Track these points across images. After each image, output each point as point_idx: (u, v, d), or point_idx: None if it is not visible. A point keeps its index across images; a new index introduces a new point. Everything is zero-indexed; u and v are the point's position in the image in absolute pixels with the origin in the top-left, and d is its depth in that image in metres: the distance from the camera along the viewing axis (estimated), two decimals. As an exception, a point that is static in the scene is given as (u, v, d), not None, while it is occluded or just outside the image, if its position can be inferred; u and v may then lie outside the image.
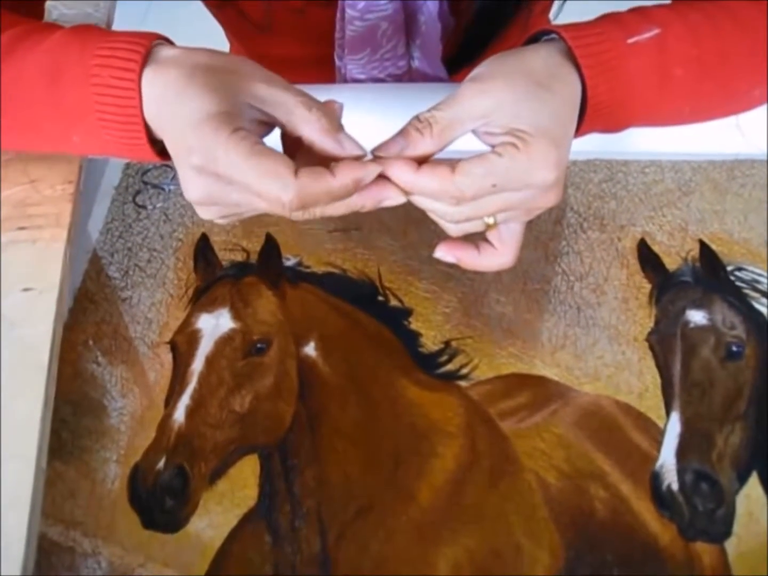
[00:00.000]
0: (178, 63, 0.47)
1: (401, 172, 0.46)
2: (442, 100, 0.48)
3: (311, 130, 0.46)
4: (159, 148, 0.50)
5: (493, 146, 0.47)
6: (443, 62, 0.71)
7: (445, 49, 0.70)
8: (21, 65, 0.51)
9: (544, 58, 0.50)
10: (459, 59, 0.73)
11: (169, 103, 0.46)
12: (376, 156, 0.47)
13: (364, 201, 0.46)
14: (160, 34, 0.51)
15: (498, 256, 0.51)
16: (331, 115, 0.46)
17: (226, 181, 0.44)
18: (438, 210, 0.48)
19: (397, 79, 0.71)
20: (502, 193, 0.47)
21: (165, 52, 0.49)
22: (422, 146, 0.46)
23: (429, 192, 0.47)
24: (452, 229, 0.50)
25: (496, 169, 0.46)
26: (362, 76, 0.69)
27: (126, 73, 0.48)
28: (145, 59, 0.48)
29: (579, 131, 0.52)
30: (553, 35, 0.52)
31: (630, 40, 0.52)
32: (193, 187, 0.46)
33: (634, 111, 0.54)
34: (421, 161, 0.47)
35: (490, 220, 0.49)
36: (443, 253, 0.52)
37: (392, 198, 0.47)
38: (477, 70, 0.50)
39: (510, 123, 0.47)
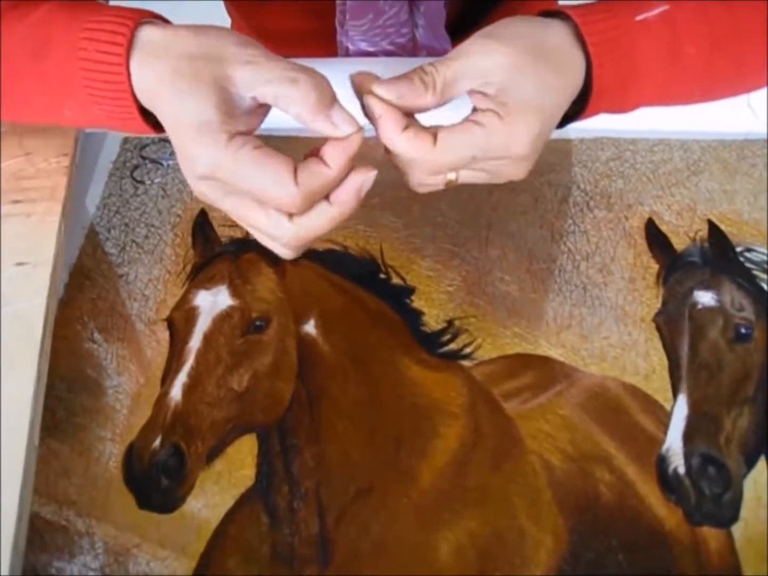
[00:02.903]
0: (164, 52, 0.46)
1: (388, 123, 0.46)
2: (450, 52, 0.47)
3: (300, 110, 0.45)
4: (152, 120, 0.49)
5: (478, 109, 0.47)
6: (446, 29, 0.69)
7: (448, 16, 0.69)
8: (8, 38, 0.50)
9: (554, 36, 0.49)
10: (462, 26, 0.71)
11: (163, 101, 0.46)
12: (376, 94, 0.46)
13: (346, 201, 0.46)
14: (149, 11, 0.50)
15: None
16: (320, 86, 0.45)
17: (231, 186, 0.45)
18: (410, 176, 0.49)
19: (400, 49, 0.69)
20: (478, 162, 0.47)
21: (151, 32, 0.47)
22: (422, 101, 0.46)
23: (407, 157, 0.47)
24: (414, 185, 0.50)
25: (477, 140, 0.46)
26: (363, 44, 0.68)
27: (113, 47, 0.47)
28: (133, 34, 0.47)
29: (585, 113, 0.51)
30: (561, 15, 0.51)
31: (638, 17, 0.50)
32: (197, 189, 0.47)
33: (643, 90, 0.53)
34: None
35: (452, 176, 0.49)
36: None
37: (368, 179, 0.46)
38: (489, 28, 0.49)
39: (504, 89, 0.46)
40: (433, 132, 0.46)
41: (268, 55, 0.46)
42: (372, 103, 0.46)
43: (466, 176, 0.49)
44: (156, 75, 0.46)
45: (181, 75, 0.45)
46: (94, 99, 0.49)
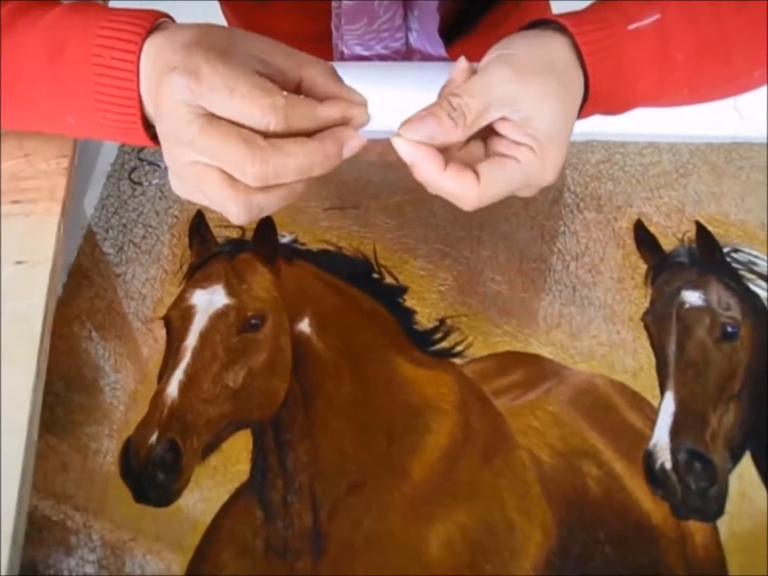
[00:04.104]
0: (178, 32, 0.47)
1: (428, 165, 0.46)
2: (471, 81, 0.47)
3: (315, 72, 0.46)
4: (152, 132, 0.49)
5: (508, 138, 0.47)
6: (439, 34, 0.70)
7: (441, 20, 0.70)
8: (21, 40, 0.51)
9: (559, 54, 0.50)
10: (455, 30, 0.72)
11: (163, 51, 0.46)
12: (404, 135, 0.46)
13: (327, 142, 0.45)
14: (162, 12, 0.50)
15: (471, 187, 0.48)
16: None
17: (211, 89, 0.43)
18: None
19: (395, 53, 0.70)
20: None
21: (166, 27, 0.48)
22: (453, 136, 0.46)
23: (447, 192, 0.47)
24: None
25: (517, 177, 0.47)
26: (358, 48, 0.69)
27: (127, 54, 0.47)
28: (145, 39, 0.47)
29: (580, 115, 0.52)
30: (554, 25, 0.52)
31: (631, 26, 0.51)
32: (174, 89, 0.43)
33: (635, 95, 0.54)
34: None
35: None
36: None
37: (355, 139, 0.46)
38: (503, 51, 0.49)
39: (530, 118, 0.47)
40: (473, 167, 0.47)
41: (288, 48, 0.48)
42: (400, 147, 0.46)
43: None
44: (164, 46, 0.46)
45: (193, 43, 0.44)
46: (100, 106, 0.49)
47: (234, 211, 0.45)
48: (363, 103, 0.46)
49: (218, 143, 0.43)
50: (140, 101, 0.48)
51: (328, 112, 0.45)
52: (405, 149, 0.46)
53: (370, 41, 0.69)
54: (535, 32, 0.52)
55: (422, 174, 0.47)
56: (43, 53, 0.50)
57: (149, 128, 0.49)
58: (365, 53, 0.70)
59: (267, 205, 0.45)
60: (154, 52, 0.47)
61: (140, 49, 0.47)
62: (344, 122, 0.45)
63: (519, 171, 0.47)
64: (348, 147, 0.45)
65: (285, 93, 0.43)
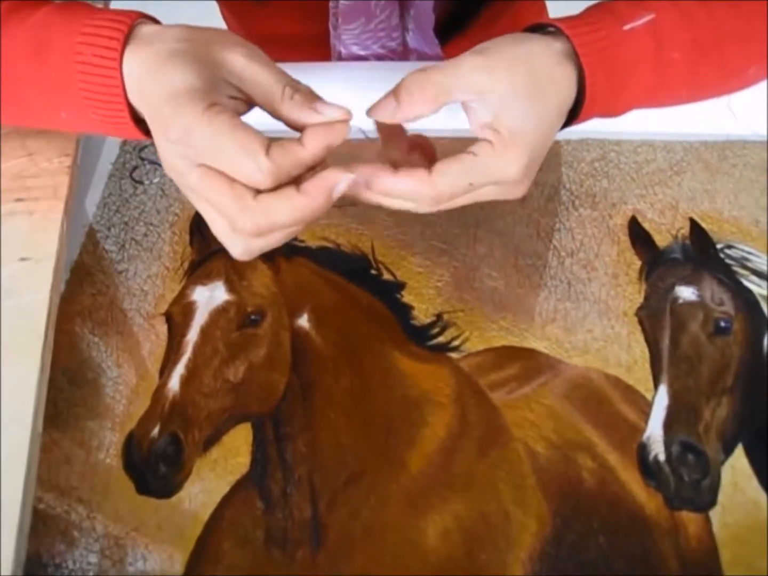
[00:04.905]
0: (159, 38, 0.48)
1: (381, 180, 0.47)
2: (443, 63, 0.48)
3: (289, 109, 0.46)
4: (144, 127, 0.50)
5: (473, 127, 0.48)
6: (435, 33, 0.71)
7: (437, 20, 0.71)
8: (10, 40, 0.52)
9: (546, 53, 0.50)
10: (450, 29, 0.73)
11: (149, 75, 0.46)
12: (372, 118, 0.48)
13: (315, 195, 0.45)
14: (144, 13, 0.51)
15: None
16: (307, 89, 0.47)
17: (201, 155, 0.44)
18: (411, 208, 0.49)
19: (391, 52, 0.71)
20: (477, 190, 0.48)
21: (146, 29, 0.49)
22: (415, 109, 0.47)
23: (408, 194, 0.48)
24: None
25: (471, 168, 0.47)
26: (356, 48, 0.70)
27: (108, 51, 0.48)
28: (127, 37, 0.48)
29: (577, 120, 0.53)
30: (550, 28, 0.52)
31: (626, 27, 0.52)
32: (169, 157, 0.46)
33: (632, 97, 0.55)
34: (395, 164, 0.48)
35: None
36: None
37: (342, 182, 0.45)
38: (484, 45, 0.50)
39: (498, 113, 0.47)
40: (426, 167, 0.47)
41: (260, 53, 0.47)
42: (358, 170, 0.47)
43: (470, 198, 0.50)
44: (147, 55, 0.47)
45: (172, 55, 0.46)
46: (89, 103, 0.50)
47: (235, 251, 0.47)
48: (343, 118, 0.46)
49: (214, 196, 0.45)
50: (126, 98, 0.49)
51: (312, 152, 0.45)
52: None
53: (367, 41, 0.70)
54: (523, 34, 0.52)
55: (380, 187, 0.47)
56: (30, 52, 0.51)
57: (140, 122, 0.50)
58: (362, 53, 0.71)
59: (266, 246, 0.47)
60: (136, 62, 0.47)
61: (123, 45, 0.48)
62: (330, 149, 0.45)
63: (473, 162, 0.47)
64: (336, 192, 0.45)
65: (268, 146, 0.43)
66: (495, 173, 0.48)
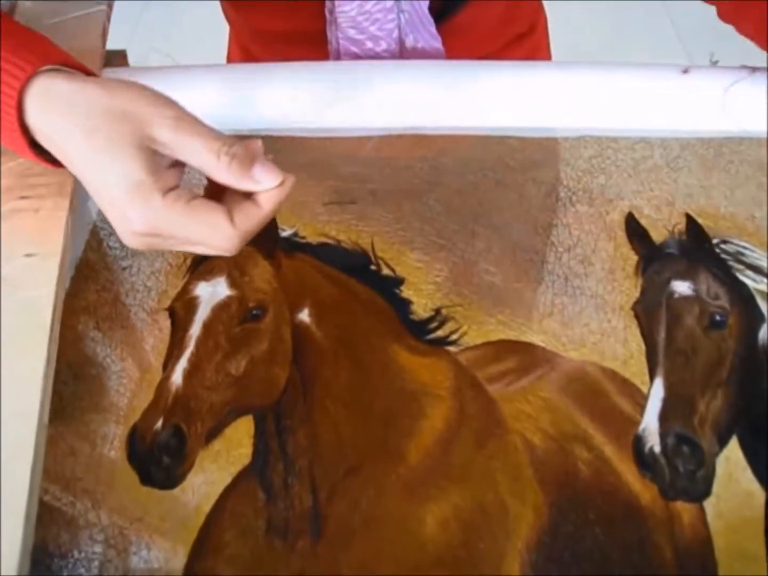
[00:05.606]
0: (72, 107, 0.48)
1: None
2: None
3: (226, 177, 0.48)
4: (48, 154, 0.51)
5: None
6: (429, 12, 0.72)
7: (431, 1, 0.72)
8: None
9: None
10: (445, 11, 0.74)
11: (81, 162, 0.48)
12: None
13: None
14: (63, 53, 0.51)
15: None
16: (243, 152, 0.48)
17: (170, 237, 0.48)
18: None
19: (388, 35, 0.72)
20: None
21: (53, 82, 0.49)
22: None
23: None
24: None
25: None
26: (352, 31, 0.70)
27: (8, 88, 0.48)
28: (30, 79, 0.48)
29: None
30: None
31: None
32: (135, 243, 0.49)
33: None
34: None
35: None
36: None
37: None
38: None
39: None
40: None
41: (185, 115, 0.48)
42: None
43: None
44: (67, 132, 0.47)
45: (98, 136, 0.46)
46: None
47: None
48: (281, 184, 0.48)
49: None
50: (24, 135, 0.50)
51: (270, 211, 0.49)
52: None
53: (364, 22, 0.71)
54: None
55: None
56: None
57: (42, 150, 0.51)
58: (359, 37, 0.72)
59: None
60: (52, 111, 0.48)
61: (23, 86, 0.48)
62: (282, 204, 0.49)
63: None
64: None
65: (231, 215, 0.47)
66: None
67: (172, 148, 0.47)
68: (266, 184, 0.48)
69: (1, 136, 0.52)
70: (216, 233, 0.47)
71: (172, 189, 0.47)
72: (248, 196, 0.49)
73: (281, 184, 0.48)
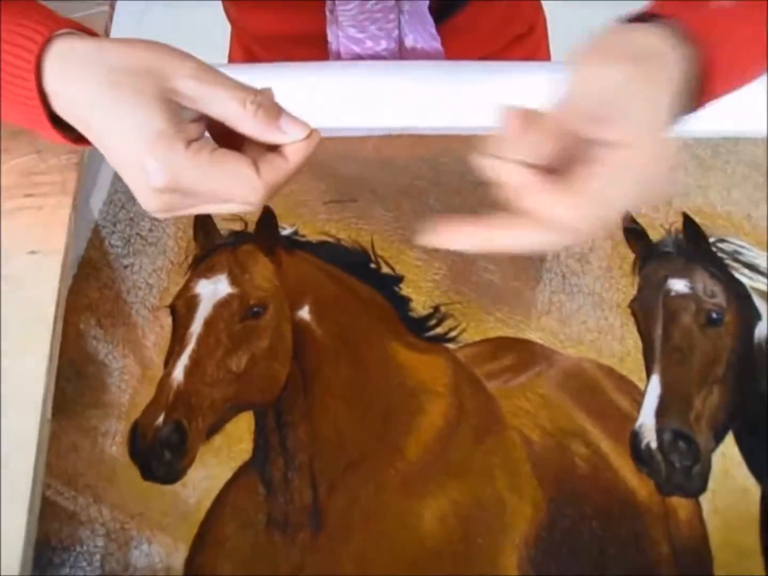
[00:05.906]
0: (94, 64, 0.46)
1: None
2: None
3: (251, 127, 0.46)
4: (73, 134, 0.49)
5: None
6: (430, 12, 0.73)
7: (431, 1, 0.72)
8: None
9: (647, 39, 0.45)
10: (445, 11, 0.75)
11: (103, 115, 0.45)
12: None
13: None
14: (73, 21, 0.49)
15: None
16: (268, 102, 0.46)
17: (191, 195, 0.46)
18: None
19: (387, 34, 0.72)
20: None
21: (72, 44, 0.47)
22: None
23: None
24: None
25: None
26: (353, 30, 0.71)
27: (21, 61, 0.47)
28: (46, 44, 0.46)
29: (700, 101, 0.49)
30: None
31: (713, 5, 0.47)
32: (153, 203, 0.47)
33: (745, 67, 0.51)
34: None
35: None
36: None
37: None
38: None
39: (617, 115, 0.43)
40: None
41: (207, 68, 0.46)
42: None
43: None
44: (89, 87, 0.45)
45: (122, 88, 0.45)
46: (6, 103, 0.49)
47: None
48: (309, 134, 0.46)
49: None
50: (44, 105, 0.47)
51: (297, 164, 0.46)
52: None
53: (364, 21, 0.71)
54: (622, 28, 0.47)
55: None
56: None
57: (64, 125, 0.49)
58: (359, 35, 0.72)
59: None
60: (73, 72, 0.46)
61: (41, 50, 0.46)
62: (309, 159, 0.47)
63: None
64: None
65: (256, 170, 0.45)
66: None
67: (197, 100, 0.45)
68: (294, 135, 0.46)
69: (16, 112, 0.50)
70: (242, 184, 0.45)
71: (194, 140, 0.45)
72: (272, 149, 0.46)
73: (309, 136, 0.46)
